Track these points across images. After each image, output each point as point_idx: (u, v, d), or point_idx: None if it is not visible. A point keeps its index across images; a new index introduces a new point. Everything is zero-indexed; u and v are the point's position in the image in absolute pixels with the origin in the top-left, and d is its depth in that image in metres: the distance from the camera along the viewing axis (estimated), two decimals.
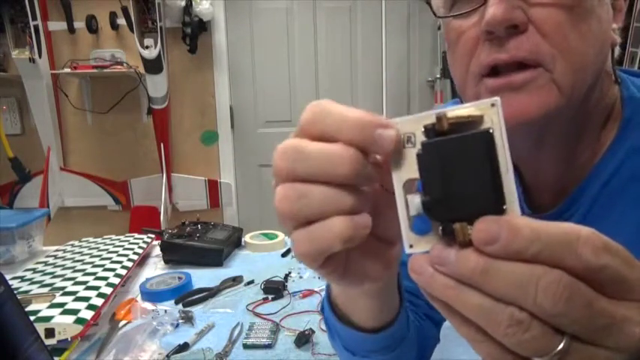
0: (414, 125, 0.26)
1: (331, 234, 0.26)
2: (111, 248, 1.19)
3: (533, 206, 0.54)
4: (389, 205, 0.28)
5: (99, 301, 0.87)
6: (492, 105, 0.24)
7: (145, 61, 2.25)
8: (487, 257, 0.23)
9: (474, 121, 0.25)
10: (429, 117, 0.25)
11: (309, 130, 0.27)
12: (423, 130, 0.26)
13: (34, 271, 1.03)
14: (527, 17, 0.40)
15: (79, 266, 1.04)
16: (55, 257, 1.14)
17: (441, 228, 0.25)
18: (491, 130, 0.24)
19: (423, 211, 0.25)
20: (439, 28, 0.51)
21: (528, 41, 0.41)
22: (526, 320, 0.23)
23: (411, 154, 0.26)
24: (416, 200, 0.26)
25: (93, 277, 0.97)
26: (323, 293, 1.00)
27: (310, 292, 1.01)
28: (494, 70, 0.43)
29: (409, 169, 0.26)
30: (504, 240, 0.22)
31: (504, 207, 0.24)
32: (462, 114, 0.25)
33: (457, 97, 0.57)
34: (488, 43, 0.42)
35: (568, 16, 0.40)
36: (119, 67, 2.41)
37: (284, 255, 1.26)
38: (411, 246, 0.26)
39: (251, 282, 1.09)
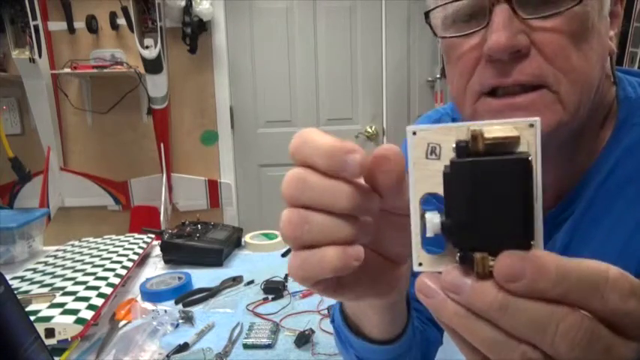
0: (441, 136, 0.24)
1: (322, 264, 0.27)
2: (111, 248, 1.19)
3: None
4: (392, 225, 0.30)
5: (99, 301, 0.87)
6: (531, 125, 0.23)
7: (145, 61, 2.25)
8: (506, 293, 0.22)
9: (510, 141, 0.23)
10: (461, 130, 0.23)
11: (295, 159, 0.29)
12: (454, 146, 0.23)
13: (34, 271, 1.03)
14: (529, 40, 0.40)
15: (79, 266, 1.04)
16: (55, 257, 1.14)
17: (459, 255, 0.23)
18: (530, 158, 0.22)
19: (441, 233, 0.24)
20: (435, 34, 0.51)
21: (531, 65, 0.41)
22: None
23: (434, 167, 0.24)
24: (435, 220, 0.24)
25: (93, 277, 0.97)
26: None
27: (310, 292, 1.01)
28: (494, 89, 0.43)
29: (429, 183, 0.24)
30: (529, 279, 0.21)
31: (532, 242, 0.22)
32: (500, 135, 0.23)
33: None
34: (490, 65, 0.42)
35: (570, 38, 0.40)
36: (119, 67, 2.41)
37: (284, 255, 1.26)
38: (420, 264, 0.25)
39: (251, 282, 1.09)
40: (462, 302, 0.23)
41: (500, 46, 0.40)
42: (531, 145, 0.23)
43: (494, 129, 0.23)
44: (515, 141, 0.23)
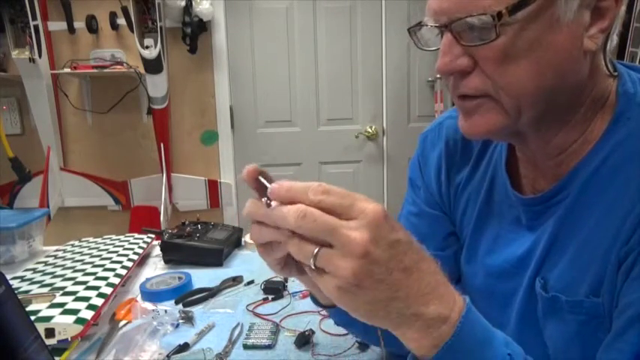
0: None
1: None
2: (111, 248, 1.19)
3: (533, 189, 0.60)
4: None
5: (99, 301, 0.87)
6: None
7: (145, 61, 2.25)
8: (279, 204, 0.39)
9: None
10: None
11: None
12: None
13: (34, 271, 1.03)
14: (473, 61, 0.49)
15: (79, 266, 1.04)
16: (55, 257, 1.14)
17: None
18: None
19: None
20: (417, 46, 0.62)
21: (473, 81, 0.50)
22: (289, 237, 0.39)
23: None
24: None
25: (93, 277, 0.97)
26: None
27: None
28: None
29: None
30: (275, 193, 0.39)
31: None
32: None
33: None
34: (446, 77, 0.52)
35: (504, 58, 0.47)
36: (119, 67, 2.41)
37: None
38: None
39: (251, 282, 1.09)
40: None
41: (441, 69, 0.50)
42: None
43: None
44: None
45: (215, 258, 1.22)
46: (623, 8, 0.49)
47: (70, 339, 0.78)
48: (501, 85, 0.48)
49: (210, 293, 1.02)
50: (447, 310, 0.41)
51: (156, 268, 1.22)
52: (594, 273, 0.49)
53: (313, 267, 0.38)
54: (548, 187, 0.55)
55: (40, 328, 0.74)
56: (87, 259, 1.10)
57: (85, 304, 0.85)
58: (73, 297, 0.86)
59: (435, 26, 0.50)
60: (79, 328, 0.79)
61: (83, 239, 1.32)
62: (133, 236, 1.32)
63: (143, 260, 1.25)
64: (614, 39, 0.51)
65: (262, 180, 0.41)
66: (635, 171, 0.48)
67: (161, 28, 2.25)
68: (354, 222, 0.37)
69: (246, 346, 0.82)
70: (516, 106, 0.49)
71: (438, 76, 2.65)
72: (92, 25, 2.45)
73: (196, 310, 0.95)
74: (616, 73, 0.53)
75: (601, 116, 0.52)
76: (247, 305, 0.97)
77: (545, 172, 0.57)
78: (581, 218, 0.51)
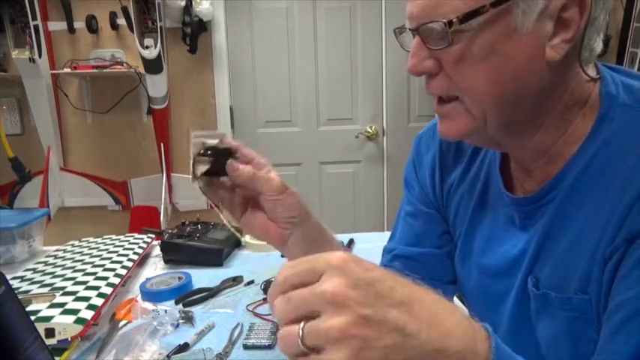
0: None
1: None
2: (111, 248, 1.19)
3: (523, 189, 0.60)
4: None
5: (99, 301, 0.87)
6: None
7: (145, 61, 2.25)
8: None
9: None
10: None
11: None
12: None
13: (34, 271, 1.03)
14: (439, 63, 0.51)
15: (79, 266, 1.04)
16: (55, 257, 1.14)
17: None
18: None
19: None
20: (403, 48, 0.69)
21: (439, 82, 0.53)
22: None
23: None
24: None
25: (93, 277, 0.97)
26: None
27: None
28: None
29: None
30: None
31: None
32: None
33: None
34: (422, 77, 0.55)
35: (462, 61, 0.49)
36: (119, 67, 2.40)
37: (284, 255, 1.26)
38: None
39: (251, 282, 1.09)
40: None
41: (410, 70, 0.54)
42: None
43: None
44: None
45: (215, 258, 1.22)
46: (601, 15, 0.49)
47: (70, 339, 0.78)
48: (462, 88, 0.51)
49: (210, 293, 1.02)
50: (470, 340, 0.36)
51: (156, 268, 1.22)
52: (583, 270, 0.50)
53: (305, 349, 0.33)
54: (537, 188, 0.57)
55: (40, 328, 0.74)
56: (87, 259, 1.10)
57: (85, 304, 0.85)
58: (73, 297, 0.86)
59: (408, 29, 0.54)
60: (79, 328, 0.79)
61: (83, 239, 1.32)
62: (133, 236, 1.32)
63: (143, 260, 1.25)
64: (600, 45, 0.51)
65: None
66: (620, 170, 0.48)
67: (161, 28, 2.25)
68: (323, 276, 0.34)
69: (246, 346, 0.82)
70: (481, 110, 0.51)
71: None
72: (92, 25, 2.45)
73: (196, 310, 0.95)
74: (598, 76, 0.54)
75: (582, 118, 0.53)
76: (247, 305, 0.97)
77: (532, 174, 0.58)
78: (570, 217, 0.53)
